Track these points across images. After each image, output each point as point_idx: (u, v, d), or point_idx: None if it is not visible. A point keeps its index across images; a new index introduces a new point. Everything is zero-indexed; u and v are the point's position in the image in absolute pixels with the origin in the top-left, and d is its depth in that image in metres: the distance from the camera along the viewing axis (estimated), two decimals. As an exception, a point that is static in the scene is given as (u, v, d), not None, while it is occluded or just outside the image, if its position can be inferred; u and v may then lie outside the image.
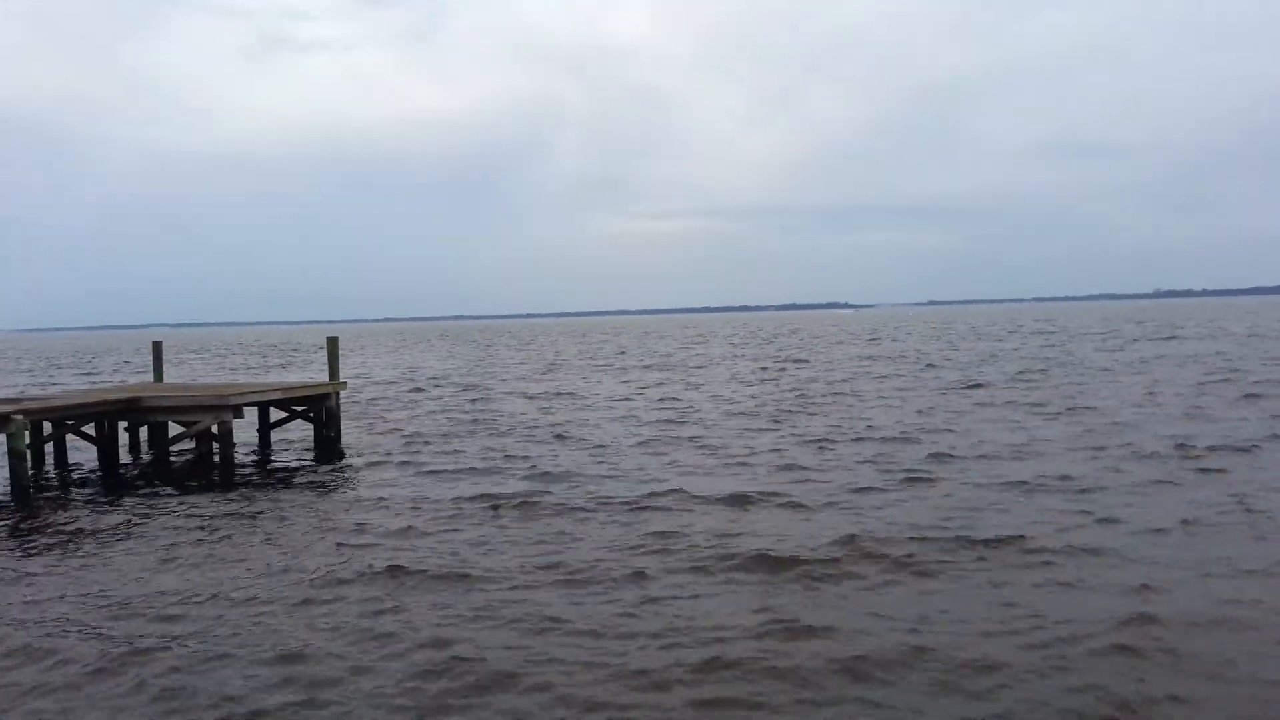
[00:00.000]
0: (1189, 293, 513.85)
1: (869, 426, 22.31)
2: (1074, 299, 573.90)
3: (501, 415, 27.21)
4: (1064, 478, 15.22)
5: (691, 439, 21.17)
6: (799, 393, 31.52)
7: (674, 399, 30.56)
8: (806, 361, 49.83)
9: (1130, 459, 16.85)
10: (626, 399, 31.38)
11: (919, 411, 24.96)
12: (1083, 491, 14.22)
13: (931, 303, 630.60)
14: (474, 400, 32.54)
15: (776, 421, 23.86)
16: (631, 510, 13.85)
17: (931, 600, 9.53)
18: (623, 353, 66.81)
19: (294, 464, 19.68)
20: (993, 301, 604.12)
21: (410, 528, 13.25)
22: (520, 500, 14.78)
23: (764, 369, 44.86)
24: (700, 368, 47.31)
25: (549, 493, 15.36)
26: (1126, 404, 25.13)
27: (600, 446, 20.44)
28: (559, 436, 22.28)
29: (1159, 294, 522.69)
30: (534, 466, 18.03)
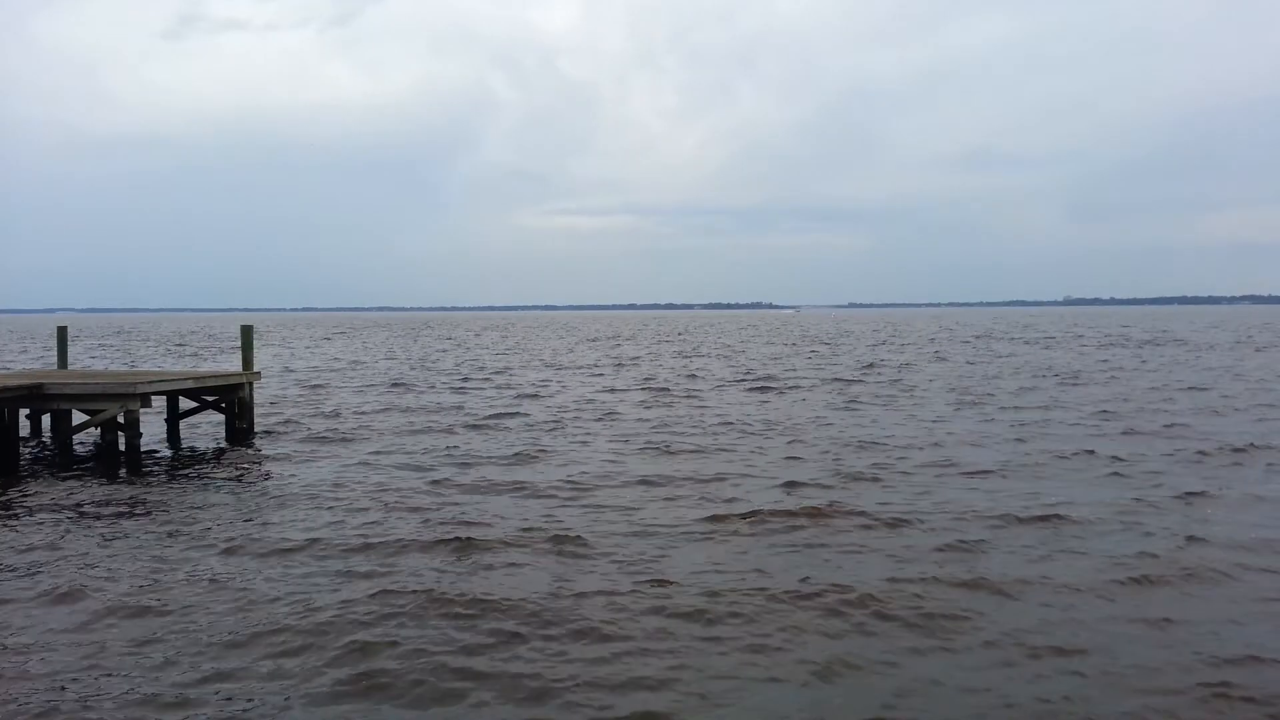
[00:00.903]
0: (1097, 301, 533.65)
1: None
2: (989, 305, 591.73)
3: (420, 408, 27.19)
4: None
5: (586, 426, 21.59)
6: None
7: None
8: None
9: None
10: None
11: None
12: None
13: (852, 305, 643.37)
14: (391, 392, 32.45)
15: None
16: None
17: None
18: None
19: (203, 455, 19.43)
20: (911, 306, 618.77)
21: (317, 515, 13.33)
22: (428, 486, 15.12)
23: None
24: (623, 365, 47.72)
25: (450, 480, 15.67)
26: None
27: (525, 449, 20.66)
28: (473, 427, 22.52)
29: (1069, 302, 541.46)
30: (450, 454, 18.29)
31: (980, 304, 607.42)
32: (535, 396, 30.89)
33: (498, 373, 42.11)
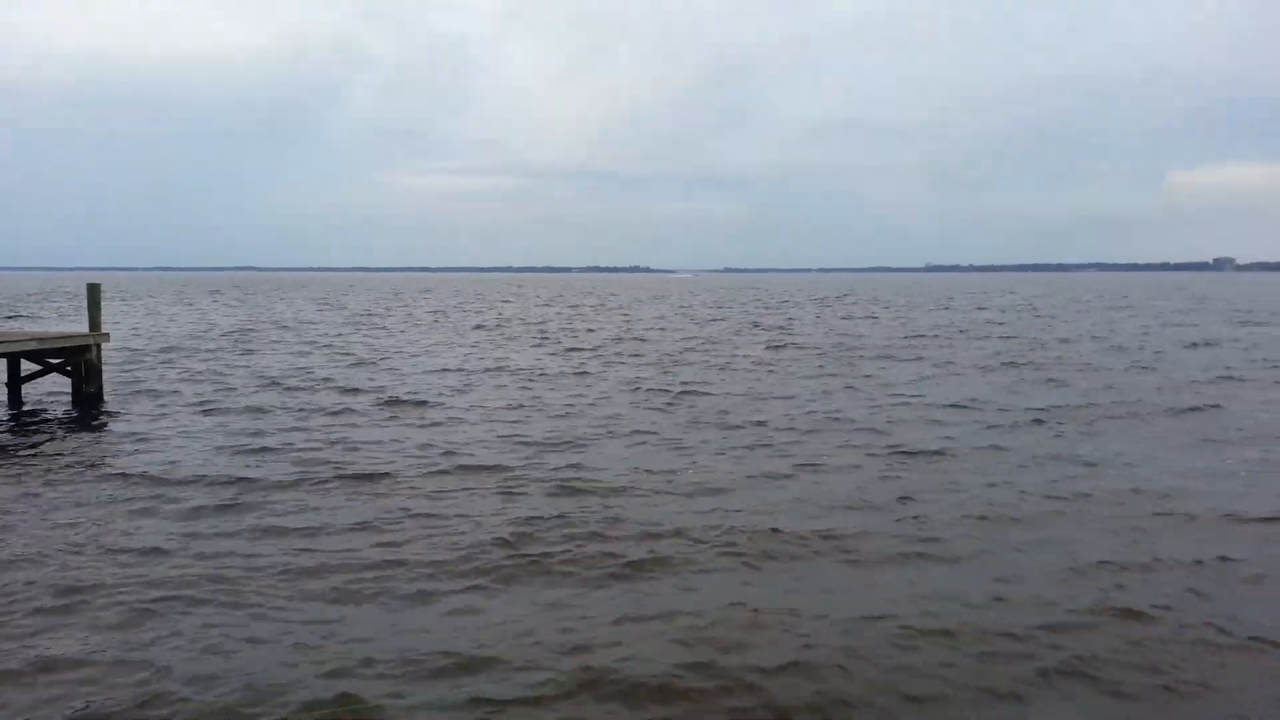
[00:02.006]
0: (956, 268, 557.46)
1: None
2: (855, 270, 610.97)
3: (274, 370, 26.41)
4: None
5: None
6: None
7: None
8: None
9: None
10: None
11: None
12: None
13: (727, 269, 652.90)
14: (245, 354, 31.45)
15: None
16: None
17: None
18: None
19: (45, 420, 18.45)
20: (782, 271, 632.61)
21: (163, 484, 12.93)
22: (276, 452, 14.94)
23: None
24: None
25: (299, 446, 15.42)
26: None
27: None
28: (344, 390, 22.09)
29: (929, 268, 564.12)
30: (300, 415, 17.92)
31: (849, 270, 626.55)
32: (370, 363, 30.42)
33: (337, 337, 41.18)
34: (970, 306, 71.61)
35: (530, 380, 24.81)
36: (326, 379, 24.72)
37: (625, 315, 60.89)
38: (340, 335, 41.15)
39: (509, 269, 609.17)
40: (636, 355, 31.91)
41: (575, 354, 32.48)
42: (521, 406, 20.15)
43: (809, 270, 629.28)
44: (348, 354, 32.13)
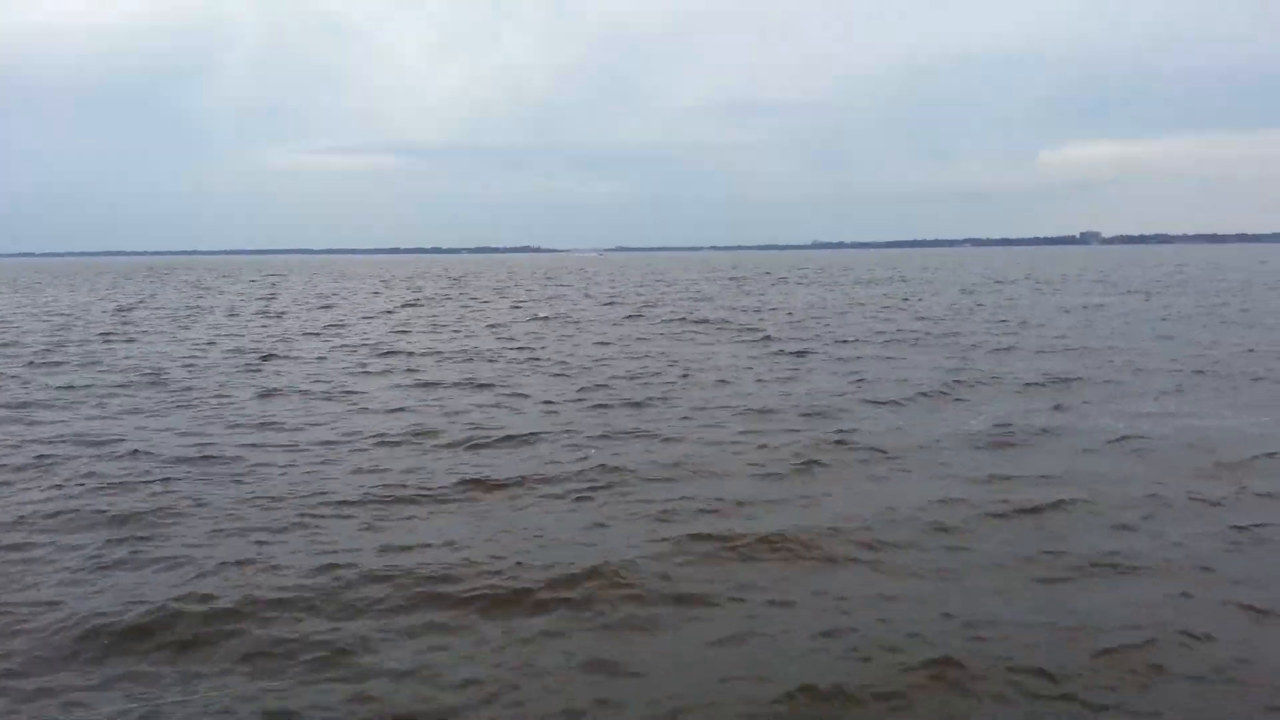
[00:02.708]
0: (840, 244, 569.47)
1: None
2: (746, 248, 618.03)
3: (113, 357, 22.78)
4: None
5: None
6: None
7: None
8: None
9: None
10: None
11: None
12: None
13: (619, 249, 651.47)
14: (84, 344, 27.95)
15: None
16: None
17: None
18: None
19: None
20: (675, 250, 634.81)
21: None
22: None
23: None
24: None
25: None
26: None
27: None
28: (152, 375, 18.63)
29: (816, 245, 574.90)
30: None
31: (741, 248, 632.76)
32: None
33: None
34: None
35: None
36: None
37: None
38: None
39: (395, 250, 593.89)
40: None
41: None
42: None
43: (701, 249, 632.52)
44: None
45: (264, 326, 37.31)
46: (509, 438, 14.55)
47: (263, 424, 15.99)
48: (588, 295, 61.32)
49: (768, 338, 30.10)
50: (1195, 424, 15.20)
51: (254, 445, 14.13)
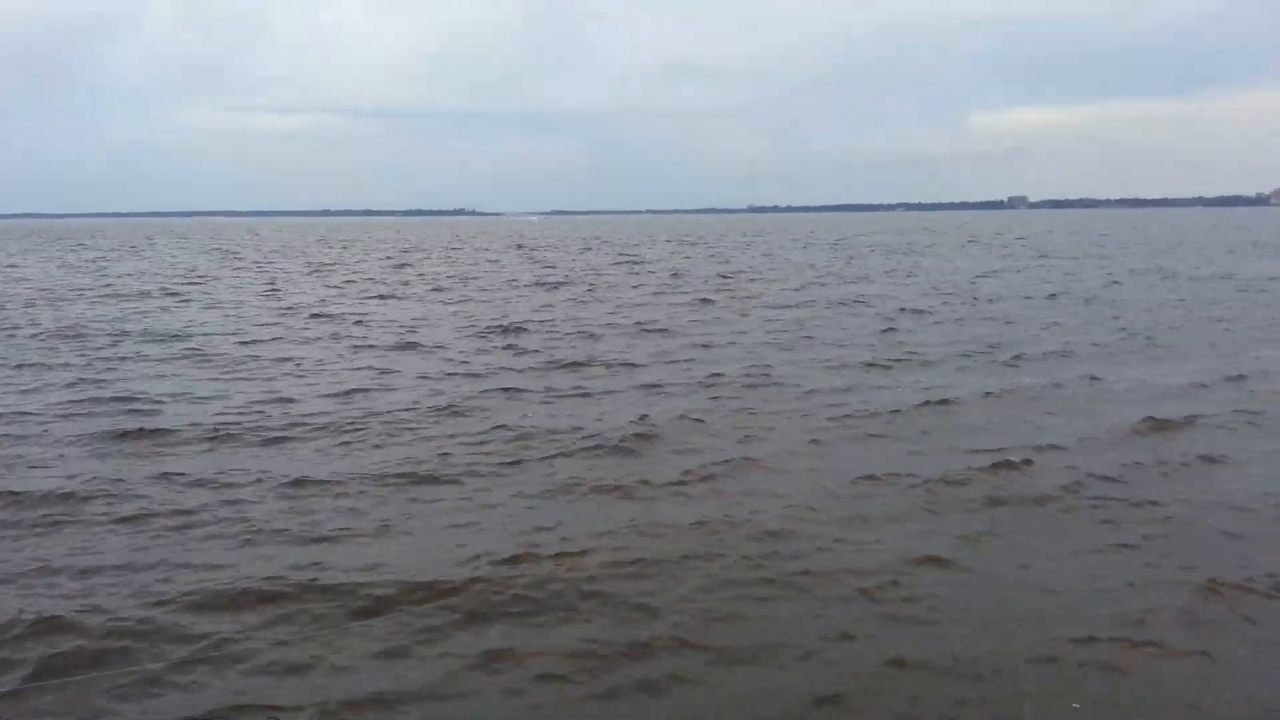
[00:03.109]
0: (776, 208, 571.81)
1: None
2: (684, 211, 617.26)
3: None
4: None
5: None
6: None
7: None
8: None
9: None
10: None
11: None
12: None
13: (557, 212, 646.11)
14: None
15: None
16: None
17: None
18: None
19: None
20: (613, 213, 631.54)
21: None
22: None
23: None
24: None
25: None
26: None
27: None
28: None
29: (752, 209, 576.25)
30: None
31: (678, 211, 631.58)
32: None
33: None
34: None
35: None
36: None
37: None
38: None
39: (325, 212, 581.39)
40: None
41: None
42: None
43: (639, 212, 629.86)
44: None
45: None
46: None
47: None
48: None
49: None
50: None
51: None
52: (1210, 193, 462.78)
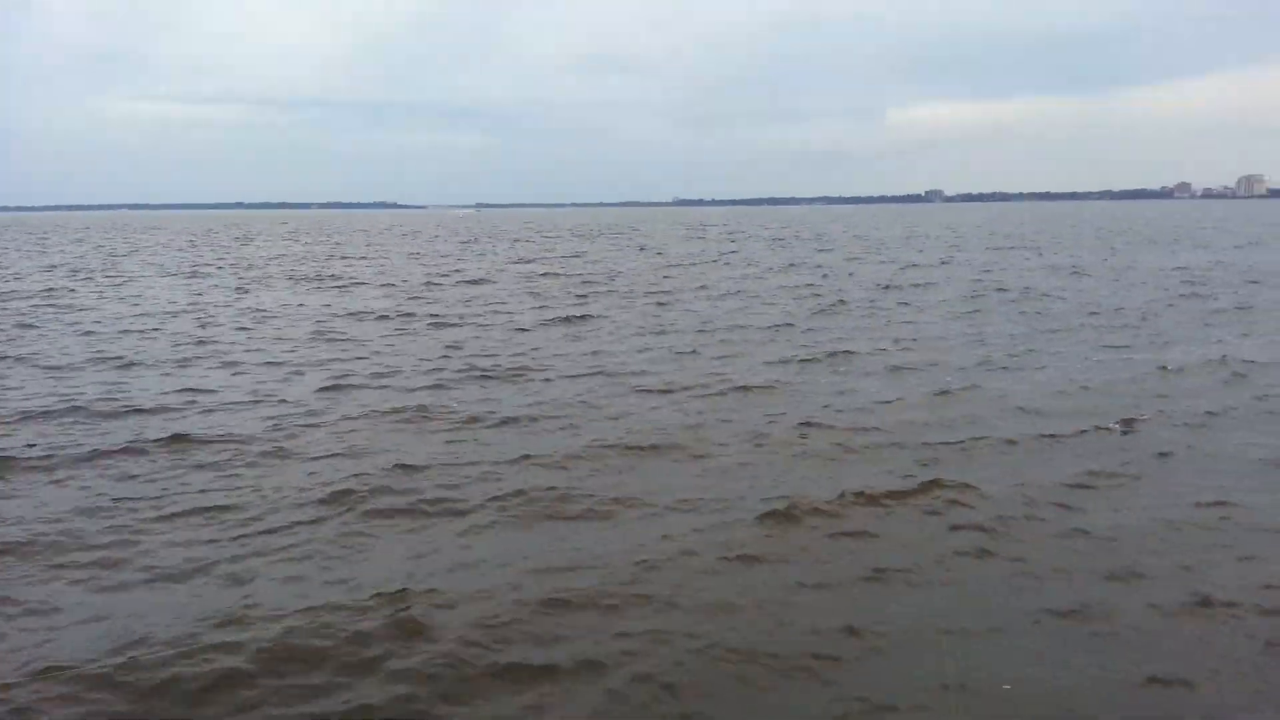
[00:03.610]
0: (700, 202, 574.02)
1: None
2: (608, 205, 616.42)
3: None
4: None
5: None
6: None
7: None
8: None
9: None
10: None
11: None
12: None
13: (479, 206, 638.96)
14: None
15: None
16: None
17: None
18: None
19: None
20: (537, 206, 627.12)
21: None
22: None
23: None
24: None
25: None
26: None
27: None
28: None
29: (677, 202, 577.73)
30: None
31: (603, 204, 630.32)
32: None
33: None
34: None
35: None
36: None
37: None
38: None
39: (239, 205, 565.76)
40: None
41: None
42: None
43: (563, 205, 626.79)
44: None
45: None
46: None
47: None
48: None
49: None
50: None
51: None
52: (1117, 186, 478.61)
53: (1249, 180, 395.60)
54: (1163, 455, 10.54)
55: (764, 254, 52.04)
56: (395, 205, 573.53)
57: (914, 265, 41.01)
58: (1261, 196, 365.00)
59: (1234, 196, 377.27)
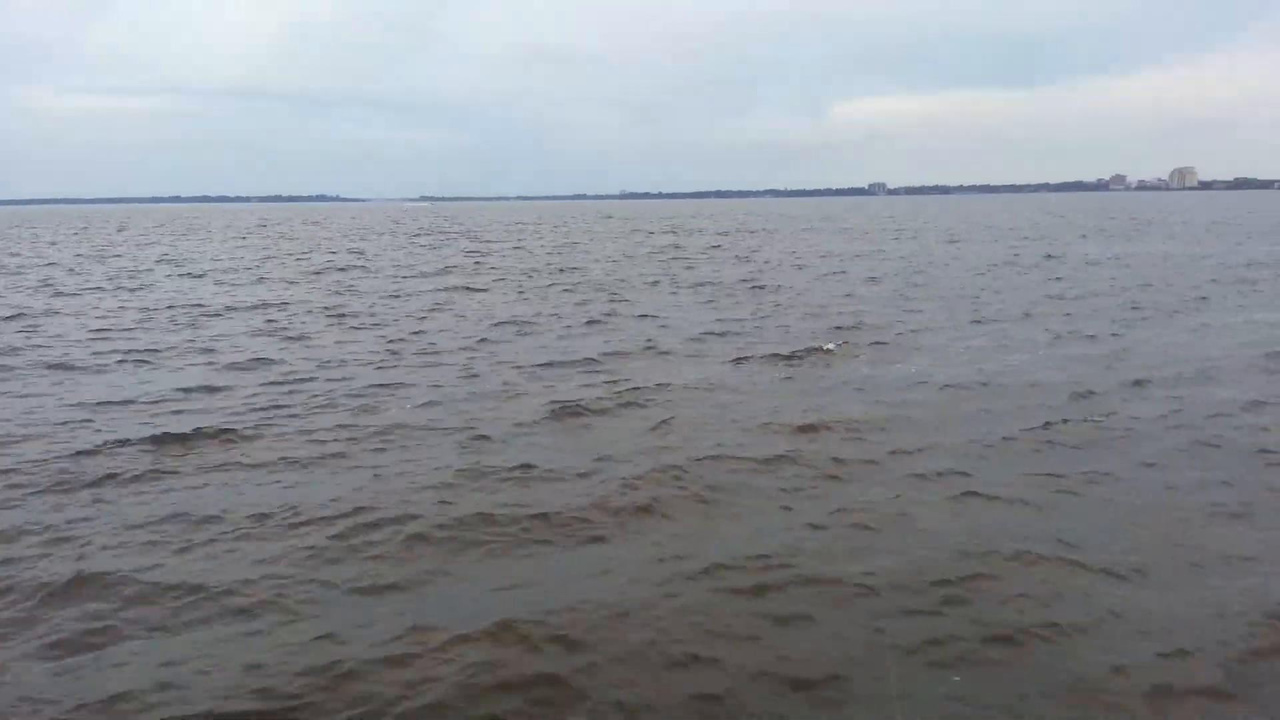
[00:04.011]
0: (648, 195, 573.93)
1: None
2: (556, 198, 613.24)
3: None
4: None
5: None
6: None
7: None
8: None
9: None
10: None
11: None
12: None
13: (424, 198, 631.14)
14: None
15: None
16: None
17: None
18: None
19: None
20: (482, 199, 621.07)
21: None
22: None
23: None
24: None
25: None
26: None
27: None
28: None
29: (624, 195, 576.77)
30: None
31: (551, 198, 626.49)
32: None
33: None
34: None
35: None
36: None
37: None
38: None
39: (175, 199, 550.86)
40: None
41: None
42: None
43: (509, 199, 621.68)
44: None
45: None
46: None
47: None
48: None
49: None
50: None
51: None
52: (1055, 179, 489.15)
53: (1181, 173, 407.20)
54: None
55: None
56: (336, 198, 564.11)
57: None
58: (1193, 188, 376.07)
59: (1167, 188, 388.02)
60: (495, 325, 20.05)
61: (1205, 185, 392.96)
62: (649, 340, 17.63)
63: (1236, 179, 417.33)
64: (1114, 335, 17.77)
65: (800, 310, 22.19)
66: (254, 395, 13.10)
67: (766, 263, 37.76)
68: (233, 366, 15.48)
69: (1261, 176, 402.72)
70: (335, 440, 10.69)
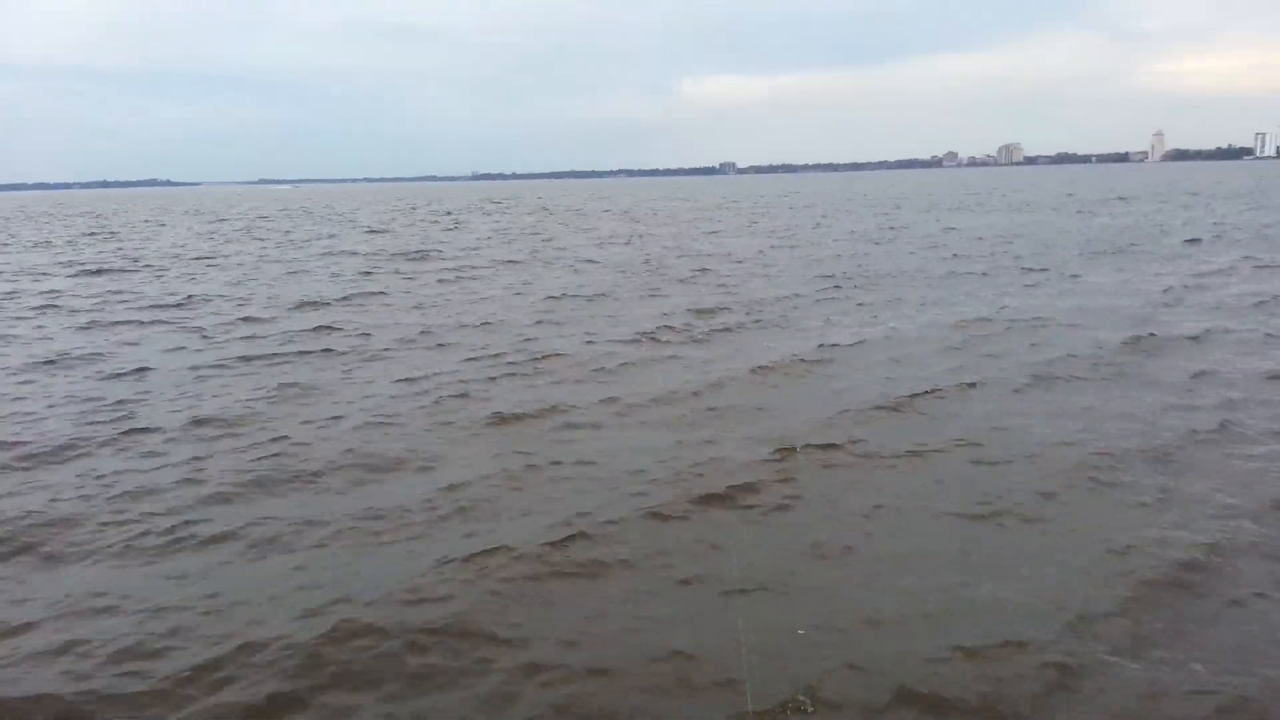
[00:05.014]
0: (501, 176, 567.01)
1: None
2: (404, 180, 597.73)
3: None
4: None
5: None
6: None
7: None
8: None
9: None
10: None
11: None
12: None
13: (263, 181, 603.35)
14: None
15: None
16: None
17: None
18: None
19: None
20: (323, 181, 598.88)
21: None
22: None
23: None
24: None
25: None
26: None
27: None
28: None
29: (477, 176, 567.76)
30: None
31: (398, 179, 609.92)
32: None
33: None
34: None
35: None
36: None
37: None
38: None
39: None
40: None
41: None
42: None
43: (354, 180, 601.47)
44: None
45: None
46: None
47: None
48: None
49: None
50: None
51: None
52: (893, 157, 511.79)
53: (1009, 149, 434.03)
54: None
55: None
56: (167, 183, 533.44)
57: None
58: (1019, 164, 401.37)
59: (996, 164, 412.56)
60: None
61: (1030, 160, 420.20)
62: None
63: (1059, 154, 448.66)
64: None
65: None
66: None
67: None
68: None
69: (1080, 152, 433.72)
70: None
